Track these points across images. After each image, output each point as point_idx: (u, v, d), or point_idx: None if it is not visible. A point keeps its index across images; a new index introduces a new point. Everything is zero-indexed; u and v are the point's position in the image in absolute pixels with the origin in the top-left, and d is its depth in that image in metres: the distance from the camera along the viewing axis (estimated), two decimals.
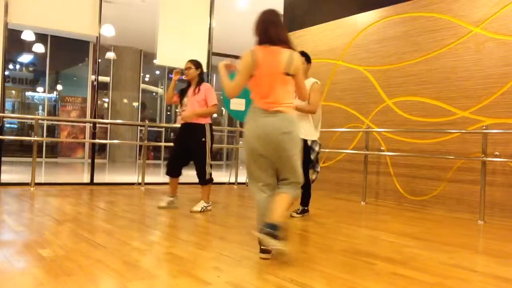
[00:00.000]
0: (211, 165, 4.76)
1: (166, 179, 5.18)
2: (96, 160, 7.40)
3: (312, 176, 4.65)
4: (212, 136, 4.73)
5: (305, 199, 4.70)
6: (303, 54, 4.27)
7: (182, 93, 4.82)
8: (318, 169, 4.77)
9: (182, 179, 5.16)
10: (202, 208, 4.70)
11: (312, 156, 4.58)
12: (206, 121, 4.71)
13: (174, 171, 4.89)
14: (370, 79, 6.50)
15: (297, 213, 4.64)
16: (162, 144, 14.15)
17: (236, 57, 10.80)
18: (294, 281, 2.36)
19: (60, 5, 6.74)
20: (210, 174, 4.77)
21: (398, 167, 6.05)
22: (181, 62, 8.19)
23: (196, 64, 4.82)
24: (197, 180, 4.87)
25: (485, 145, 4.92)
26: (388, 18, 6.32)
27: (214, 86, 14.40)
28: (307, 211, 4.77)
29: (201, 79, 4.79)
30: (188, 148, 4.72)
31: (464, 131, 5.26)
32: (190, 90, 4.75)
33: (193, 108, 4.64)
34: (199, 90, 4.67)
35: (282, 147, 2.78)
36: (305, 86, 3.04)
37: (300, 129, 3.97)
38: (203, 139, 4.63)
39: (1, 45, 6.34)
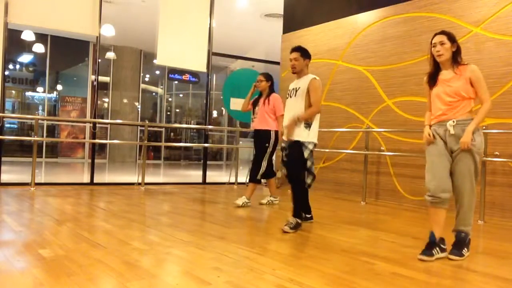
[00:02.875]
0: (268, 166, 5.29)
1: (166, 179, 5.18)
2: (96, 160, 7.40)
3: (308, 179, 4.11)
4: (276, 141, 5.27)
5: (299, 210, 4.00)
6: (300, 49, 4.17)
7: (255, 103, 5.46)
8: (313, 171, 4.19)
9: (182, 179, 5.15)
10: (268, 201, 5.57)
11: (306, 154, 4.01)
12: (272, 127, 5.26)
13: (252, 177, 5.37)
14: (370, 79, 6.50)
15: (290, 228, 3.82)
16: (162, 144, 14.16)
17: (236, 57, 10.74)
18: (294, 281, 2.36)
19: (60, 5, 6.74)
20: (262, 175, 5.30)
21: (398, 167, 6.05)
22: (181, 62, 8.26)
23: (267, 77, 5.37)
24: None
25: (485, 145, 4.91)
26: (388, 18, 6.32)
27: (215, 86, 14.42)
28: (300, 225, 3.99)
29: (271, 90, 5.34)
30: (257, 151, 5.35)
31: None
32: (261, 101, 5.36)
33: (263, 116, 5.27)
34: (268, 100, 5.27)
35: None
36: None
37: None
38: (266, 144, 5.23)
39: (1, 45, 6.34)
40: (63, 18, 6.81)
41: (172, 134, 16.02)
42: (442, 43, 3.08)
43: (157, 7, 7.71)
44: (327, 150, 6.93)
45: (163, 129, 14.59)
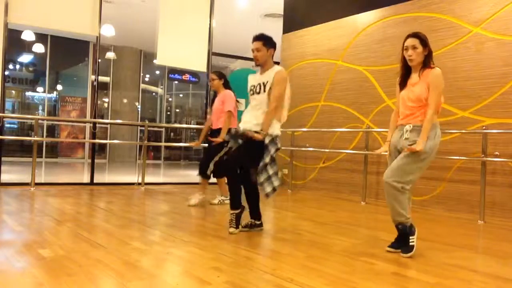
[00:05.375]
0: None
1: (166, 179, 5.18)
2: (96, 160, 7.40)
3: (267, 188, 3.55)
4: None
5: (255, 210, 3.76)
6: (263, 37, 3.62)
7: (211, 103, 5.27)
8: (275, 183, 3.56)
9: (182, 179, 5.15)
10: (219, 201, 5.34)
11: (267, 158, 3.53)
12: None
13: None
14: (370, 79, 6.50)
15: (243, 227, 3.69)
16: (162, 144, 14.15)
17: (236, 57, 10.74)
18: (294, 281, 2.36)
19: (60, 5, 6.74)
20: (212, 172, 5.02)
21: None
22: (181, 62, 8.26)
23: (219, 75, 5.18)
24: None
25: (485, 145, 4.92)
26: (388, 18, 6.31)
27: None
28: (261, 225, 3.81)
29: (226, 88, 5.15)
30: None
31: (464, 131, 5.26)
32: (216, 100, 5.16)
33: (218, 115, 5.04)
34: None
35: None
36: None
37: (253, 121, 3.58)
38: (225, 144, 4.81)
39: (1, 45, 6.34)
40: (63, 18, 6.80)
41: (172, 134, 16.02)
42: (414, 47, 3.06)
43: (157, 7, 7.71)
44: (327, 150, 6.93)
45: (163, 129, 14.58)
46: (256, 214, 3.80)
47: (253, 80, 3.75)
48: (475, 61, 5.29)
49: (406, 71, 3.18)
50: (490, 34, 5.15)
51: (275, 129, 3.56)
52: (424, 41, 3.07)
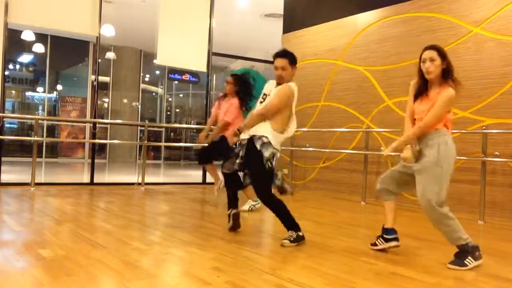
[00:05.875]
0: None
1: (166, 179, 5.18)
2: (96, 160, 7.40)
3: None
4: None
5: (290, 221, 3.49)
6: (289, 54, 3.44)
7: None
8: (278, 183, 3.54)
9: (182, 179, 5.14)
10: (250, 207, 5.02)
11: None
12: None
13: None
14: (370, 79, 6.50)
15: (290, 242, 3.33)
16: (162, 144, 14.15)
17: (236, 57, 10.75)
18: (294, 281, 2.36)
19: (60, 5, 6.74)
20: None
21: None
22: (181, 62, 8.25)
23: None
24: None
25: (485, 145, 4.92)
26: (388, 18, 6.31)
27: (214, 86, 14.40)
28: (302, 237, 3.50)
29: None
30: None
31: (464, 131, 5.26)
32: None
33: None
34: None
35: None
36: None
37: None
38: None
39: (1, 45, 6.34)
40: (63, 18, 6.80)
41: (172, 134, 16.01)
42: (432, 59, 2.88)
43: (157, 7, 7.71)
44: (327, 150, 6.93)
45: (163, 129, 14.58)
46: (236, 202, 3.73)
47: (267, 89, 3.56)
48: (475, 61, 5.29)
49: (423, 83, 3.00)
50: (490, 34, 5.15)
51: (274, 138, 3.42)
52: (442, 53, 2.91)
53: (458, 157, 5.24)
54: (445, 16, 5.61)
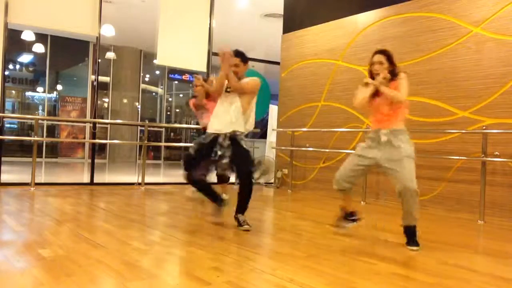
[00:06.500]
0: None
1: (166, 179, 5.18)
2: (96, 160, 7.40)
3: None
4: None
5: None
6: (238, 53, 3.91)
7: None
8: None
9: (182, 179, 5.14)
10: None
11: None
12: None
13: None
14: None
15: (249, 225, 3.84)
16: (162, 144, 14.14)
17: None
18: (294, 281, 2.36)
19: (60, 5, 6.74)
20: None
21: None
22: (181, 62, 8.25)
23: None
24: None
25: (485, 145, 4.92)
26: (388, 18, 6.31)
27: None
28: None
29: None
30: None
31: (464, 131, 5.26)
32: None
33: None
34: None
35: None
36: None
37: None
38: None
39: (1, 45, 6.34)
40: (63, 18, 6.80)
41: (172, 134, 16.01)
42: (380, 63, 3.30)
43: (157, 7, 7.71)
44: (327, 150, 6.93)
45: (163, 129, 14.58)
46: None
47: None
48: (475, 61, 5.29)
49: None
50: (490, 34, 5.15)
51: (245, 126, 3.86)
52: (390, 58, 3.35)
53: (458, 157, 5.28)
54: (445, 16, 5.61)
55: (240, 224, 3.76)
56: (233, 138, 3.76)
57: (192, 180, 3.97)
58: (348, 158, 3.58)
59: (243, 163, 3.78)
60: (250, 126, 3.96)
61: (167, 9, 7.59)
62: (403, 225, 3.37)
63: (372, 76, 3.33)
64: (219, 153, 3.74)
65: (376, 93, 3.34)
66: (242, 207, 3.83)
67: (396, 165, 3.25)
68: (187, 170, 3.92)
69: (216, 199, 4.05)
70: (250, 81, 3.88)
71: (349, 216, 3.73)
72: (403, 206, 3.30)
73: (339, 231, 3.71)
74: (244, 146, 3.78)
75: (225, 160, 3.74)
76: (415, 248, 3.25)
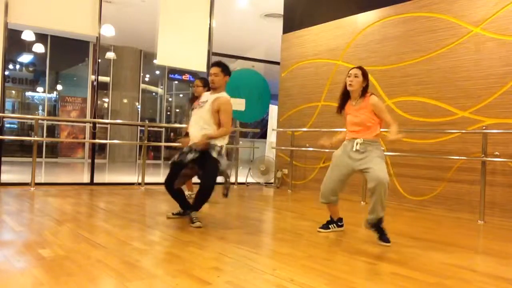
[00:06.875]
0: None
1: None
2: (96, 160, 7.40)
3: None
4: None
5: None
6: (221, 64, 4.13)
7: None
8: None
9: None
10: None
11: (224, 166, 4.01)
12: None
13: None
14: (370, 79, 6.49)
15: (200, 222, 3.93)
16: (162, 144, 14.14)
17: (236, 57, 10.74)
18: (294, 281, 2.36)
19: (60, 5, 6.73)
20: None
21: (398, 167, 6.05)
22: (181, 62, 8.25)
23: (204, 82, 5.29)
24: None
25: (485, 145, 4.92)
26: (388, 18, 6.31)
27: None
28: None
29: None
30: None
31: (464, 131, 5.26)
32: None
33: None
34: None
35: None
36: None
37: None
38: None
39: (1, 45, 6.34)
40: (63, 18, 6.80)
41: (172, 134, 16.01)
42: (356, 76, 3.60)
43: (157, 7, 7.71)
44: (327, 150, 6.92)
45: (163, 129, 14.58)
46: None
47: (204, 97, 4.19)
48: (475, 61, 5.29)
49: (345, 94, 3.72)
50: (490, 34, 5.15)
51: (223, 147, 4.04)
52: (365, 74, 3.63)
53: (458, 157, 5.29)
54: (445, 16, 5.61)
55: (192, 222, 3.87)
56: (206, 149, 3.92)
57: (170, 189, 4.08)
58: (328, 171, 3.78)
59: (207, 175, 3.90)
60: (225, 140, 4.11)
61: (167, 9, 7.59)
62: (371, 220, 3.47)
63: (345, 85, 3.65)
64: (189, 157, 3.92)
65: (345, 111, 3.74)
66: (195, 205, 3.97)
67: (369, 163, 3.47)
68: (167, 182, 4.05)
69: (186, 207, 4.15)
70: (224, 111, 4.02)
71: (339, 221, 3.97)
72: (372, 199, 3.42)
73: (324, 232, 3.87)
74: (214, 156, 3.89)
75: (190, 156, 3.89)
76: (388, 244, 3.37)
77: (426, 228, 4.28)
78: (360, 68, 3.67)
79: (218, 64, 4.10)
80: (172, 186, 4.03)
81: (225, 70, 4.09)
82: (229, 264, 2.68)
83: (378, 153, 3.53)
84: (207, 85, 5.12)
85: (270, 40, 10.20)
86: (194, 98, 5.24)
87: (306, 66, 7.56)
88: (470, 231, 4.34)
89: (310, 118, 7.38)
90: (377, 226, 3.47)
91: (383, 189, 3.35)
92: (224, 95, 4.07)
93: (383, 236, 3.44)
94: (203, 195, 3.93)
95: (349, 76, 3.63)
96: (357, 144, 3.55)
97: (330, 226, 3.91)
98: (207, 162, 3.90)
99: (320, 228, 3.89)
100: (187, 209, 4.10)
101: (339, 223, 3.94)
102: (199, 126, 4.01)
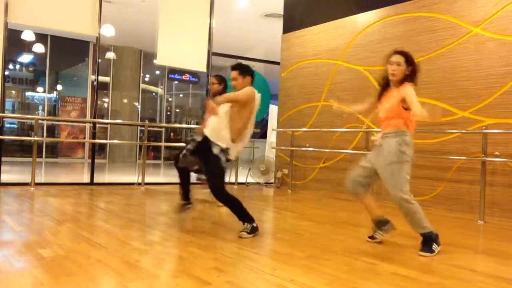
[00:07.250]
0: None
1: (166, 179, 5.18)
2: (96, 160, 7.40)
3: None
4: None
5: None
6: (237, 67, 3.84)
7: None
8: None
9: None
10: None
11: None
12: None
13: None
14: (370, 79, 6.50)
15: (248, 233, 3.52)
16: (162, 144, 14.14)
17: (236, 57, 10.76)
18: (294, 281, 2.36)
19: (60, 5, 6.73)
20: None
21: None
22: (181, 62, 8.25)
23: (220, 79, 5.01)
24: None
25: (485, 145, 4.92)
26: (388, 18, 6.31)
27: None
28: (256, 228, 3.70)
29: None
30: None
31: (464, 131, 5.26)
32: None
33: None
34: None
35: None
36: None
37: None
38: None
39: (1, 45, 6.34)
40: (63, 18, 6.80)
41: (172, 134, 16.01)
42: (399, 64, 3.17)
43: (157, 7, 7.71)
44: (327, 150, 6.93)
45: (163, 129, 14.58)
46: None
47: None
48: (475, 61, 5.29)
49: (387, 82, 3.37)
50: (490, 34, 5.15)
51: (231, 149, 3.63)
52: (409, 60, 3.20)
53: (458, 157, 5.28)
54: (445, 16, 5.61)
55: (240, 231, 3.55)
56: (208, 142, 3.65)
57: (177, 166, 3.91)
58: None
59: (209, 177, 3.61)
60: (242, 142, 3.77)
61: (167, 9, 7.59)
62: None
63: (387, 74, 3.28)
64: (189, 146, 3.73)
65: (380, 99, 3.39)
66: (239, 218, 3.63)
67: (380, 168, 3.27)
68: (177, 158, 3.89)
69: (186, 196, 3.99)
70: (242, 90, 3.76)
71: (381, 224, 3.48)
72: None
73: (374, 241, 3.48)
74: (215, 152, 3.57)
75: (189, 146, 3.72)
76: (424, 254, 3.09)
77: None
78: (402, 54, 3.20)
79: (234, 67, 3.86)
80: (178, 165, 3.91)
81: (243, 71, 3.82)
82: (229, 264, 2.68)
83: (391, 150, 3.17)
84: (223, 82, 4.99)
85: (270, 40, 10.20)
86: (212, 95, 5.15)
87: (306, 66, 7.56)
88: (470, 231, 4.34)
89: (310, 118, 7.38)
90: (422, 239, 3.21)
91: (403, 209, 3.15)
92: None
93: (421, 247, 3.15)
94: (224, 203, 3.62)
95: (391, 64, 3.20)
96: (377, 137, 3.28)
97: (375, 234, 3.48)
98: (208, 159, 3.66)
99: (370, 237, 3.50)
100: (185, 198, 4.01)
101: (382, 226, 3.45)
102: (214, 119, 3.69)
